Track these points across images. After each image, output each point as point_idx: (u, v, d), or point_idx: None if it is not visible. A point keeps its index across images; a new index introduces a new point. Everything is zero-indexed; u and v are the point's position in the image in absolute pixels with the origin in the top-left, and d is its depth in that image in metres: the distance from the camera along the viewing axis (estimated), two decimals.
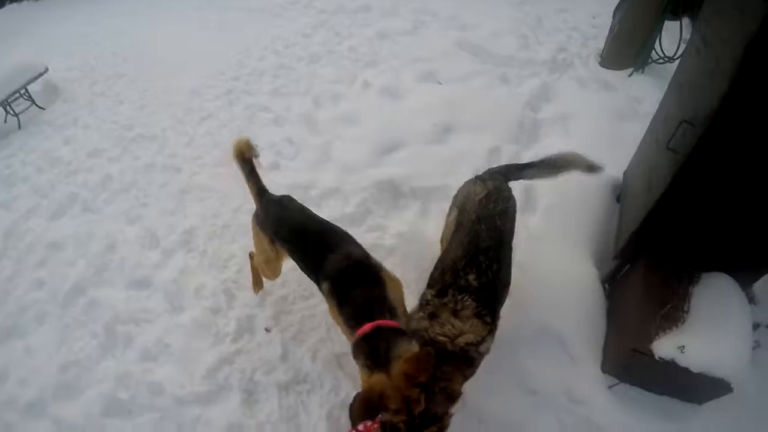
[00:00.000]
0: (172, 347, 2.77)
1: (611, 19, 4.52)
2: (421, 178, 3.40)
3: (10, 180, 4.47)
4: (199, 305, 2.94)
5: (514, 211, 2.35)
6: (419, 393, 1.71)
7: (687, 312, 2.26)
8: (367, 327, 1.87)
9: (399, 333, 1.87)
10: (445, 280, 2.05)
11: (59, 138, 5.05)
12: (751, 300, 2.48)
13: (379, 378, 1.74)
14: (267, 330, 2.75)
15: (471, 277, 2.02)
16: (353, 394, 2.36)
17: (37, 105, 5.67)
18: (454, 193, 2.54)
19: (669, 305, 2.27)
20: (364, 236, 2.98)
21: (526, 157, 3.49)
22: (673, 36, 4.24)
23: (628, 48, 4.40)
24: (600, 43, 4.74)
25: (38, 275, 3.39)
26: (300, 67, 5.03)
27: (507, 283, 2.17)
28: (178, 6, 7.94)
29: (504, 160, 3.37)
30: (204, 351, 2.70)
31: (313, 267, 2.22)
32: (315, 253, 2.19)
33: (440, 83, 4.31)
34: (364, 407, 1.71)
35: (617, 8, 4.42)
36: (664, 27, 4.21)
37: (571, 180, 3.16)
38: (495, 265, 2.08)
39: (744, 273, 2.33)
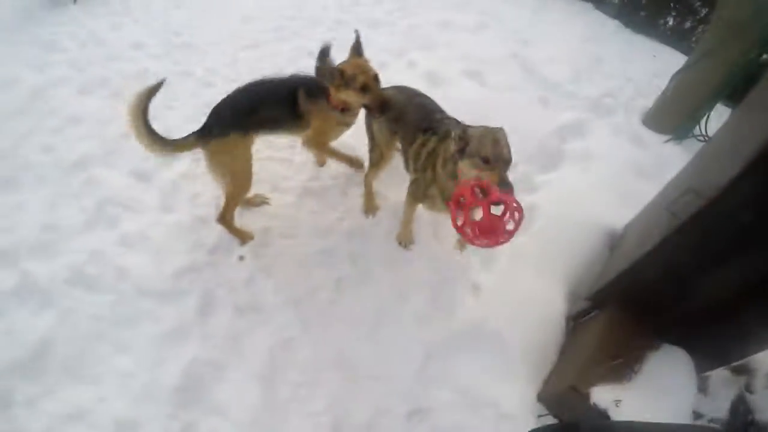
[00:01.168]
0: (150, 240, 2.85)
1: (668, 82, 4.49)
2: None
3: (53, 47, 4.53)
4: (189, 211, 3.03)
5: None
6: None
7: (636, 372, 2.27)
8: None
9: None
10: (423, 126, 2.62)
11: (108, 22, 5.11)
12: (704, 390, 2.52)
13: None
14: (240, 258, 2.83)
15: (437, 115, 2.69)
16: (301, 337, 2.49)
17: None
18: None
19: (621, 359, 2.28)
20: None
21: (538, 180, 3.53)
22: (721, 121, 4.22)
23: (674, 115, 4.36)
24: (649, 102, 4.70)
25: (50, 141, 3.45)
26: (358, 27, 4.92)
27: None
28: None
29: (515, 177, 3.34)
30: (178, 253, 2.79)
31: None
32: None
33: (483, 86, 4.32)
34: None
35: (676, 73, 4.39)
36: (715, 109, 4.18)
37: (573, 213, 3.23)
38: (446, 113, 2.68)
39: (703, 358, 2.34)
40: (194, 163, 3.30)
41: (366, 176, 3.10)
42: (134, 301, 2.55)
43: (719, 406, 2.50)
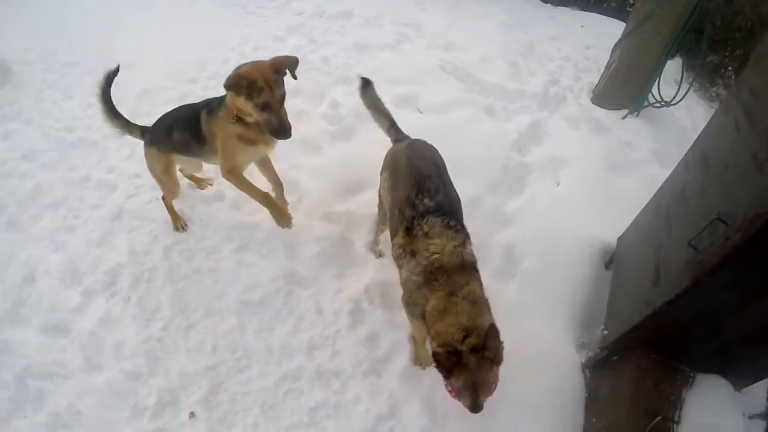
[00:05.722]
0: (84, 416, 2.42)
1: (609, 55, 4.29)
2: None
3: None
4: (117, 366, 2.56)
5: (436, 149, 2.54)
6: None
7: (678, 423, 2.04)
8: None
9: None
10: (406, 216, 2.17)
11: (0, 130, 4.52)
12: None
13: None
14: (191, 415, 2.36)
15: (426, 200, 2.17)
16: None
17: None
18: None
19: (659, 416, 2.03)
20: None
21: (509, 209, 3.15)
22: (667, 78, 4.10)
23: (624, 88, 4.18)
24: (592, 77, 4.51)
25: None
26: None
27: (458, 199, 2.35)
28: None
29: (484, 213, 3.04)
30: (119, 425, 2.35)
31: None
32: None
33: (420, 112, 3.91)
34: None
35: (617, 45, 4.17)
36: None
37: (557, 240, 2.89)
38: (441, 186, 2.25)
39: (740, 378, 2.13)
40: (111, 305, 2.80)
41: (377, 224, 2.86)
42: None
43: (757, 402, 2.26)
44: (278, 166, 3.41)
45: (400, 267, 2.19)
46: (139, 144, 3.92)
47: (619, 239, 2.85)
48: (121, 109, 4.40)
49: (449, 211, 2.19)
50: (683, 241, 1.83)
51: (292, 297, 2.70)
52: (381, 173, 2.59)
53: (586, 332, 2.63)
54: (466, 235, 2.17)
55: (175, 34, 5.69)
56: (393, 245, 2.26)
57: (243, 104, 2.38)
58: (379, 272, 2.80)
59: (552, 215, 3.10)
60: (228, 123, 2.50)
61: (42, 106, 4.86)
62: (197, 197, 3.26)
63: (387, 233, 2.65)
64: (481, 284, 2.06)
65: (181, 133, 2.73)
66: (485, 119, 3.85)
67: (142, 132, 2.98)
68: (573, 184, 3.36)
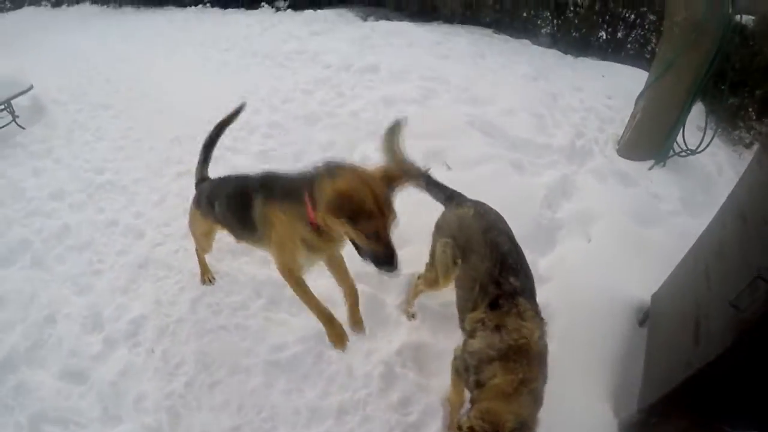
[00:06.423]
0: None
1: (630, 104, 4.31)
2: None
3: None
4: (137, 419, 2.45)
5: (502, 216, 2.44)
6: None
7: None
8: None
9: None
10: (490, 292, 2.06)
11: (29, 167, 4.64)
12: None
13: None
14: None
15: (512, 279, 2.07)
16: None
17: (17, 123, 5.30)
18: None
19: None
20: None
21: (542, 267, 3.12)
22: (689, 125, 4.07)
23: (649, 139, 4.18)
24: (616, 128, 4.51)
25: None
26: (295, 127, 4.66)
27: (533, 280, 2.24)
28: (186, 40, 7.74)
29: None
30: None
31: None
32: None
33: (449, 168, 3.90)
34: None
35: (640, 95, 4.21)
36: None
37: (590, 298, 2.86)
38: (521, 264, 2.17)
39: None
40: (133, 355, 2.74)
41: (415, 285, 2.72)
42: None
43: None
44: None
45: (471, 336, 2.08)
46: (170, 191, 4.05)
47: (654, 296, 2.77)
48: (153, 155, 4.59)
49: (532, 295, 2.13)
50: (723, 298, 1.78)
51: (322, 358, 2.62)
52: (438, 237, 2.47)
53: (622, 393, 2.51)
54: (545, 325, 2.10)
55: (206, 82, 5.89)
56: (467, 318, 2.14)
57: (340, 226, 1.84)
58: (412, 334, 2.73)
59: (584, 272, 3.04)
60: (297, 224, 2.03)
61: (72, 146, 4.99)
62: (225, 249, 3.23)
63: (426, 294, 2.63)
64: (545, 380, 1.98)
65: (227, 211, 2.42)
66: (513, 174, 3.84)
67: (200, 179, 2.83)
68: (603, 239, 3.32)
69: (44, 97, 5.83)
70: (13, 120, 5.26)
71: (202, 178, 2.86)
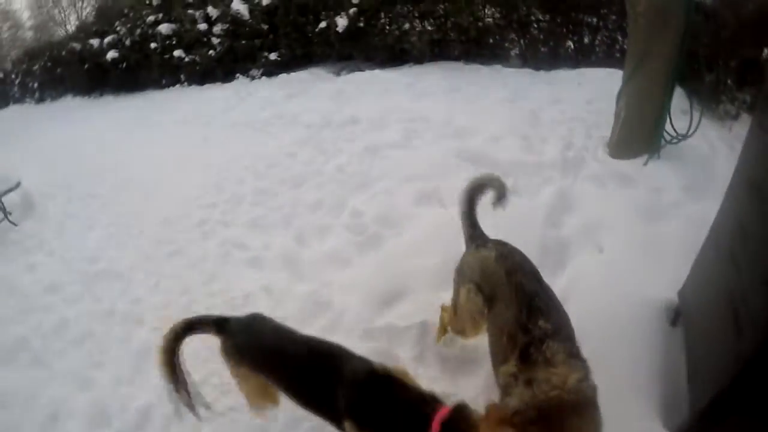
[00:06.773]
0: None
1: (613, 105, 4.31)
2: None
3: None
4: None
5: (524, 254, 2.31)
6: None
7: None
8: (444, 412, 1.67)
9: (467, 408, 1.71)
10: (519, 341, 1.89)
11: (23, 263, 4.64)
12: None
13: None
14: None
15: (541, 323, 1.90)
16: None
17: (9, 220, 5.37)
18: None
19: None
20: None
21: (558, 290, 3.07)
22: (674, 110, 4.06)
23: (638, 133, 4.14)
24: (603, 131, 4.51)
25: None
26: (282, 191, 4.71)
27: (567, 315, 2.10)
28: (167, 120, 7.94)
29: None
30: None
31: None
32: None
33: (444, 207, 3.84)
34: None
35: (620, 93, 4.21)
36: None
37: (614, 310, 2.75)
38: (551, 303, 2.03)
39: None
40: None
41: (440, 318, 2.66)
42: None
43: None
44: (308, 286, 3.40)
45: (506, 393, 1.89)
46: (163, 274, 4.02)
47: (681, 293, 2.64)
48: (144, 239, 4.62)
49: (568, 335, 1.94)
50: (758, 280, 1.66)
51: None
52: (460, 283, 2.33)
53: (668, 401, 2.37)
54: (588, 366, 1.89)
55: (189, 159, 5.98)
56: (500, 372, 1.97)
57: None
58: (432, 386, 2.65)
59: (602, 284, 2.94)
60: None
61: (64, 238, 5.03)
62: None
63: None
64: (597, 424, 1.76)
65: (302, 400, 2.08)
66: (511, 200, 3.81)
67: (217, 329, 2.28)
68: (615, 246, 3.24)
69: (34, 192, 5.94)
70: (5, 217, 5.33)
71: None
